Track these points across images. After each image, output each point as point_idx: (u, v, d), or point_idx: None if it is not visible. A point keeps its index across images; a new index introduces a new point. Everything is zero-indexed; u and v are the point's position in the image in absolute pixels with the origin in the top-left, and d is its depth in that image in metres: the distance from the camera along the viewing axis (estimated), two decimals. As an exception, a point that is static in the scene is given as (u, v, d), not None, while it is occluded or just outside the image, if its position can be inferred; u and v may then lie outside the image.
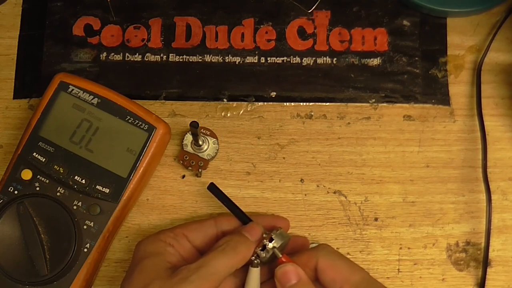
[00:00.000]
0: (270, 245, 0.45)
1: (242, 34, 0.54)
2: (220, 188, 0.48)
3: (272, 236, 0.45)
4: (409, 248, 0.50)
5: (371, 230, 0.50)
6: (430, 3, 0.53)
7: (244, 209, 0.50)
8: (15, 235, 0.45)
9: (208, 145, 0.51)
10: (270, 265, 0.45)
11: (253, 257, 0.45)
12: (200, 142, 0.50)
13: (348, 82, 0.53)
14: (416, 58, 0.53)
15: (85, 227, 0.46)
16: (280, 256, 0.45)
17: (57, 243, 0.45)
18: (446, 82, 0.53)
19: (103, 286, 0.49)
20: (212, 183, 0.48)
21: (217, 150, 0.51)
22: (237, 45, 0.54)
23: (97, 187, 0.47)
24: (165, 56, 0.53)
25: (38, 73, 0.53)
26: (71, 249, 0.45)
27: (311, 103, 0.53)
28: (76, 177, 0.47)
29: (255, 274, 0.45)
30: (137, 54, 0.54)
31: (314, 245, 0.49)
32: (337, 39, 0.54)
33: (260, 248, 0.45)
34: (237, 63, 0.53)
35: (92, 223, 0.46)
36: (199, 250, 0.46)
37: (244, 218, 0.47)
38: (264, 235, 0.45)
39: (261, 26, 0.54)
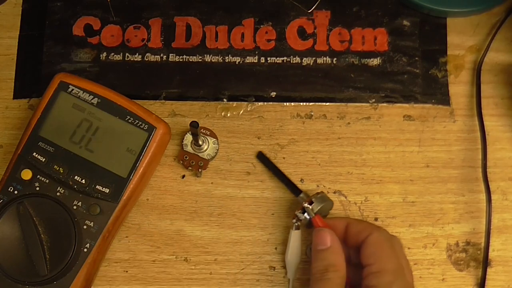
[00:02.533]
0: (310, 207, 0.46)
1: (242, 34, 0.54)
2: (220, 189, 0.48)
3: (312, 199, 0.46)
4: (409, 248, 0.50)
5: (371, 230, 0.50)
6: (430, 3, 0.53)
7: (243, 209, 0.50)
8: (15, 235, 0.45)
9: (208, 145, 0.51)
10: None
11: (294, 220, 0.47)
12: (200, 142, 0.50)
13: (348, 82, 0.53)
14: (416, 58, 0.53)
15: (85, 227, 0.46)
16: (313, 215, 0.46)
17: (57, 243, 0.45)
18: (446, 82, 0.53)
19: (103, 286, 0.49)
20: (260, 152, 0.51)
21: (217, 150, 0.51)
22: (237, 45, 0.54)
23: (97, 187, 0.47)
24: (165, 56, 0.53)
25: (38, 73, 0.53)
26: (71, 249, 0.45)
27: (311, 103, 0.53)
28: (76, 177, 0.47)
29: (296, 237, 0.47)
30: (137, 54, 0.54)
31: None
32: (337, 39, 0.54)
33: (300, 211, 0.46)
34: (237, 63, 0.53)
35: (92, 223, 0.46)
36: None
37: (291, 186, 0.49)
38: (305, 198, 0.47)
39: (261, 26, 0.54)
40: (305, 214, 0.47)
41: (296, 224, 0.47)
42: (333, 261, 0.43)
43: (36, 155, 0.47)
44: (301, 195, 0.49)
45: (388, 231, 0.45)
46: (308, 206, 0.46)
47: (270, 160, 0.50)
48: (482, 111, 0.52)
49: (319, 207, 0.47)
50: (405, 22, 0.54)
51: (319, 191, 0.49)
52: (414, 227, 0.50)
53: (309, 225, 0.47)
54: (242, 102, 0.53)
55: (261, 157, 0.51)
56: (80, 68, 0.53)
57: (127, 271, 0.50)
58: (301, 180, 0.51)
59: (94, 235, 0.46)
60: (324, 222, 0.47)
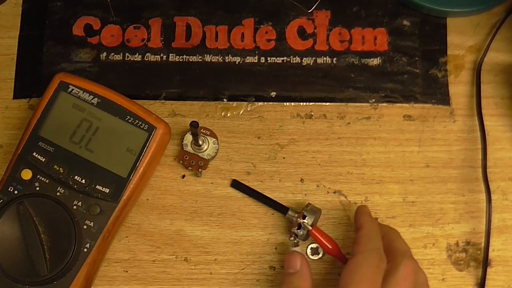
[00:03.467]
0: (305, 221, 0.47)
1: (242, 34, 0.54)
2: (220, 189, 0.49)
3: (304, 213, 0.47)
4: (409, 248, 0.50)
5: (371, 230, 0.50)
6: (430, 3, 0.53)
7: (243, 209, 0.50)
8: (15, 235, 0.45)
9: (208, 145, 0.51)
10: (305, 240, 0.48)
11: (292, 238, 0.47)
12: (200, 142, 0.50)
13: (348, 82, 0.53)
14: (416, 58, 0.53)
15: (85, 227, 0.46)
16: (311, 228, 0.47)
17: (57, 243, 0.45)
18: (446, 82, 0.53)
19: (103, 286, 0.49)
20: (234, 180, 0.50)
21: (217, 150, 0.51)
22: (237, 45, 0.54)
23: (97, 187, 0.47)
24: (165, 56, 0.53)
25: (38, 73, 0.53)
26: (71, 249, 0.45)
27: (311, 103, 0.53)
28: (76, 177, 0.47)
29: None
30: (137, 54, 0.54)
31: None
32: (337, 39, 0.54)
33: (297, 228, 0.47)
34: (237, 63, 0.53)
35: (92, 223, 0.46)
36: None
37: (277, 206, 0.49)
38: (296, 214, 0.48)
39: (261, 26, 0.54)
40: (302, 230, 0.47)
41: (295, 241, 0.48)
42: (297, 285, 0.44)
43: (36, 155, 0.47)
44: (289, 212, 0.49)
45: (375, 257, 0.42)
46: (304, 221, 0.47)
47: (246, 185, 0.50)
48: (482, 111, 0.52)
49: (313, 219, 0.47)
50: (405, 22, 0.54)
51: (306, 203, 0.49)
52: (414, 227, 0.50)
53: (305, 238, 0.48)
54: (242, 102, 0.53)
55: (237, 185, 0.50)
56: (80, 68, 0.53)
57: (127, 271, 0.50)
58: (301, 180, 0.51)
59: (94, 235, 0.46)
60: (323, 233, 0.47)
